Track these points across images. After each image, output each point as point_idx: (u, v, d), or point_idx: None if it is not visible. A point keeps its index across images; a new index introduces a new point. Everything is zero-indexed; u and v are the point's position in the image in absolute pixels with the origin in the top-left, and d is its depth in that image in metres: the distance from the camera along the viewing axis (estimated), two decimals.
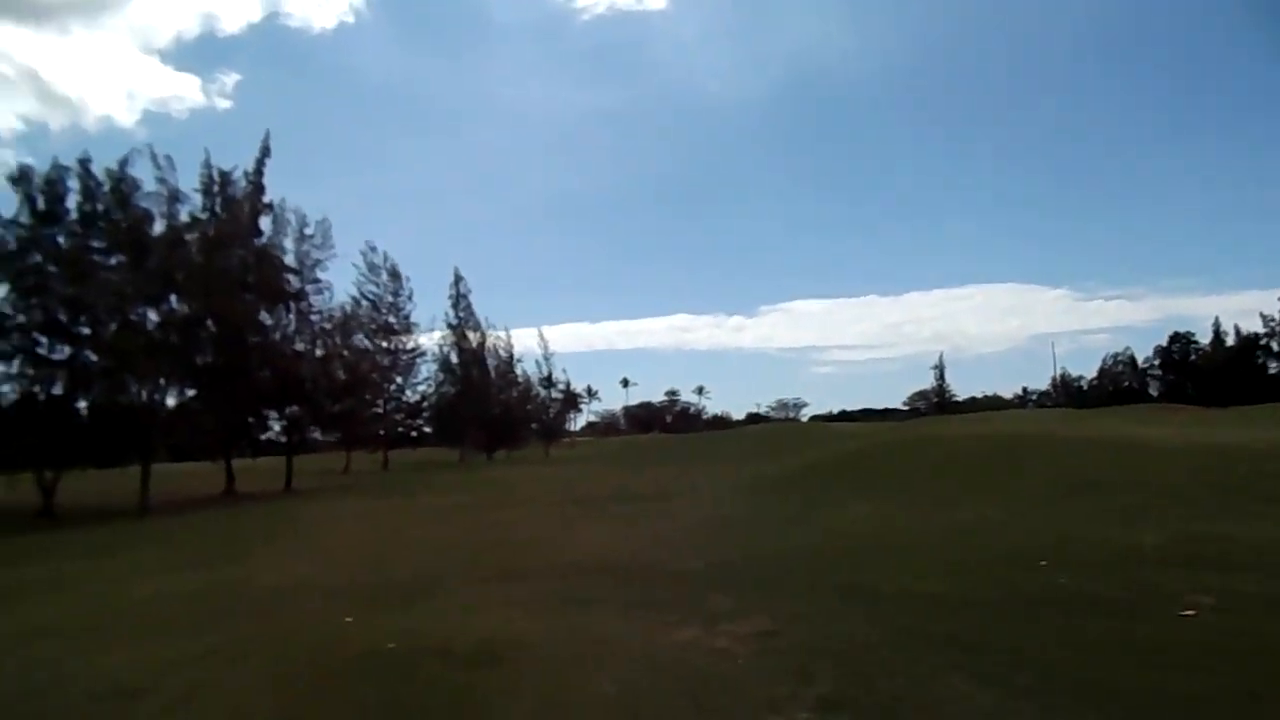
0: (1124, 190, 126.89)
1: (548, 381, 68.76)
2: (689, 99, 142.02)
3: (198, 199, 30.53)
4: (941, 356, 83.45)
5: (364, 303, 49.77)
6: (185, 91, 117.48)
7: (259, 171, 33.99)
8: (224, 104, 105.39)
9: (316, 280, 35.50)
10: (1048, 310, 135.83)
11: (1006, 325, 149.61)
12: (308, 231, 35.39)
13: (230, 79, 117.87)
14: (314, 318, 35.41)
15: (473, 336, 58.12)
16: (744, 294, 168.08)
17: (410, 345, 53.07)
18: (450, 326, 56.75)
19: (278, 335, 33.72)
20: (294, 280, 34.62)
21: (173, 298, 27.86)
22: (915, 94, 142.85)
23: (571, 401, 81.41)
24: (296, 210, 35.28)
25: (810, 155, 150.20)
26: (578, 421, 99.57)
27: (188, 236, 28.82)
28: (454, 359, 56.98)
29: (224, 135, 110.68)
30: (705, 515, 14.81)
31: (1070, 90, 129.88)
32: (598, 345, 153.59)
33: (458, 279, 58.44)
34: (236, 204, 31.87)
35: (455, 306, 57.54)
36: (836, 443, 32.86)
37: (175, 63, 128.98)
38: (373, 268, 51.23)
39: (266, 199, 34.20)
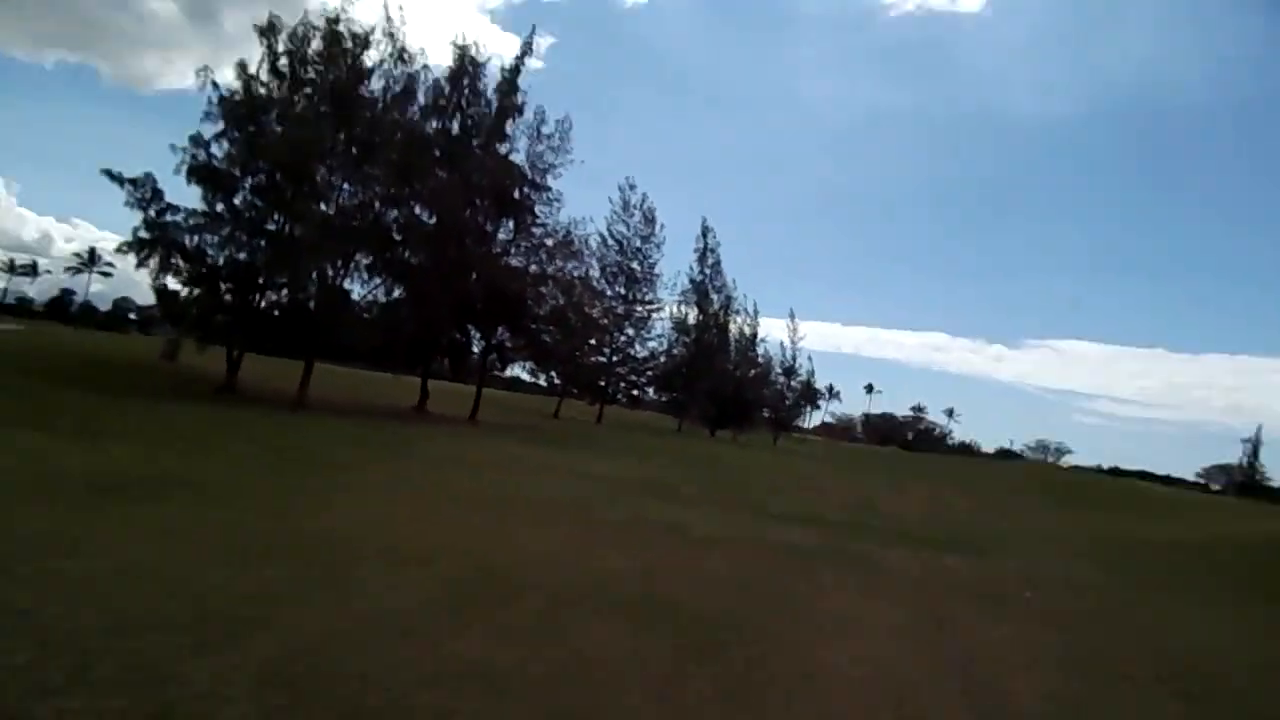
0: None
1: (789, 370, 62.52)
2: (990, 108, 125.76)
3: (431, 69, 26.75)
4: (1259, 431, 62.86)
5: (610, 241, 45.06)
6: (505, 50, 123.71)
7: (516, 69, 29.74)
8: (536, 64, 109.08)
9: (547, 188, 30.54)
10: None
11: None
12: (545, 130, 30.52)
13: (546, 41, 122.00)
14: (535, 230, 30.49)
15: (716, 299, 51.62)
16: (1010, 323, 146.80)
17: (649, 297, 47.41)
18: (692, 282, 49.74)
19: (494, 246, 29.45)
20: (524, 189, 30.09)
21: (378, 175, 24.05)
22: (1258, 127, 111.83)
23: (810, 396, 72.69)
24: (537, 107, 30.57)
25: (1113, 185, 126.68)
26: (812, 419, 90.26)
27: (401, 111, 24.84)
28: (692, 319, 50.41)
29: (533, 94, 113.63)
30: (1101, 620, 6.53)
31: None
32: (845, 348, 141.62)
33: (705, 231, 50.83)
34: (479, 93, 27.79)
35: (701, 261, 50.39)
36: (1185, 514, 21.66)
37: (502, 23, 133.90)
38: (626, 206, 45.06)
39: (519, 100, 30.00)
